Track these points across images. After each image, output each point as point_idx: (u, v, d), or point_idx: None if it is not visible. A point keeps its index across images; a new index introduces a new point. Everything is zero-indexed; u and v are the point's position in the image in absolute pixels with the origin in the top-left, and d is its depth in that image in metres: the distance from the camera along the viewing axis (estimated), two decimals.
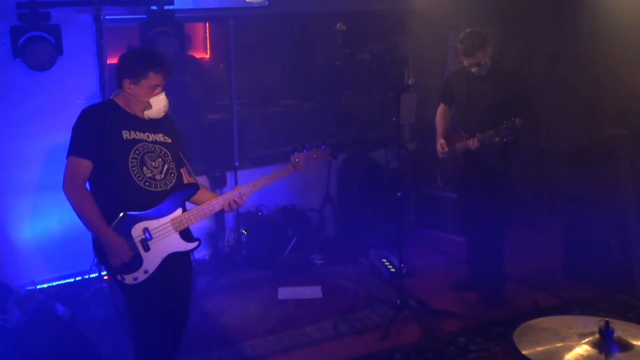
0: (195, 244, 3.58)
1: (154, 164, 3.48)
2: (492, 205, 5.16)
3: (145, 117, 3.53)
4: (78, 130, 3.45)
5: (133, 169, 3.42)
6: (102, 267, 5.12)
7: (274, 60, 7.25)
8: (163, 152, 3.53)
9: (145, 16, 5.34)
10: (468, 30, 4.99)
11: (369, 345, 4.72)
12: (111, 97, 3.59)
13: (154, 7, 5.32)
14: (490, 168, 5.07)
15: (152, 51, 3.69)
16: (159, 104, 3.52)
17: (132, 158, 3.42)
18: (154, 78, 3.47)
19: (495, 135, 4.82)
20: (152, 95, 3.50)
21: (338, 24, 6.52)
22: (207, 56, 7.80)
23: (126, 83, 3.48)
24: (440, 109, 5.43)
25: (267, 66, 7.20)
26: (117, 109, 3.51)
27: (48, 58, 5.02)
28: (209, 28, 7.74)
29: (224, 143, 6.45)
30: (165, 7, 5.36)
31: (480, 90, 5.04)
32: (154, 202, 3.45)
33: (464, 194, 5.46)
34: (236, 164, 6.41)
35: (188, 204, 3.64)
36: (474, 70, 4.98)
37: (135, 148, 3.44)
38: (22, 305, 4.88)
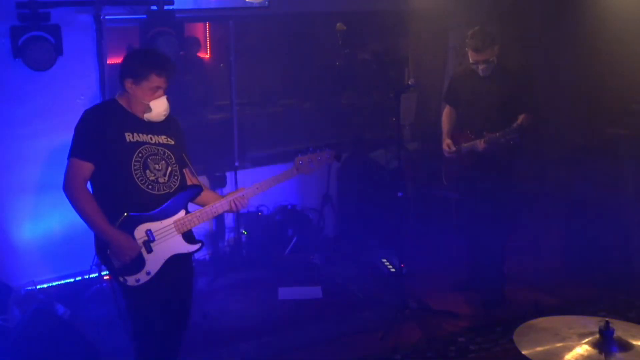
0: (197, 246, 3.58)
1: (157, 166, 3.47)
2: (495, 205, 5.16)
3: (146, 120, 3.51)
4: (80, 131, 3.43)
5: (136, 172, 3.40)
6: (104, 268, 5.12)
7: (274, 60, 7.25)
8: (166, 155, 3.52)
9: (145, 16, 5.34)
10: (477, 27, 5.00)
11: (369, 345, 4.72)
12: (115, 97, 3.56)
13: (154, 7, 5.31)
14: (495, 168, 5.07)
15: (156, 53, 3.66)
16: (159, 107, 3.49)
17: (135, 161, 3.41)
18: (155, 80, 3.45)
19: (502, 137, 4.84)
20: (152, 97, 3.47)
21: (338, 24, 6.52)
22: (207, 56, 7.81)
23: (127, 83, 3.46)
24: (446, 110, 5.43)
25: (267, 66, 7.21)
26: (120, 110, 3.49)
27: (48, 58, 5.01)
28: (209, 28, 7.74)
29: (224, 143, 6.45)
30: (165, 7, 5.35)
31: (484, 89, 5.05)
32: (157, 204, 3.43)
33: (468, 193, 5.46)
34: (236, 164, 6.41)
35: (191, 204, 3.63)
36: (481, 67, 4.98)
37: (138, 151, 3.43)
38: (22, 305, 4.87)
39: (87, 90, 5.51)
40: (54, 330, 4.35)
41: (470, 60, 5.03)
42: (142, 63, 3.46)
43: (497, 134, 4.86)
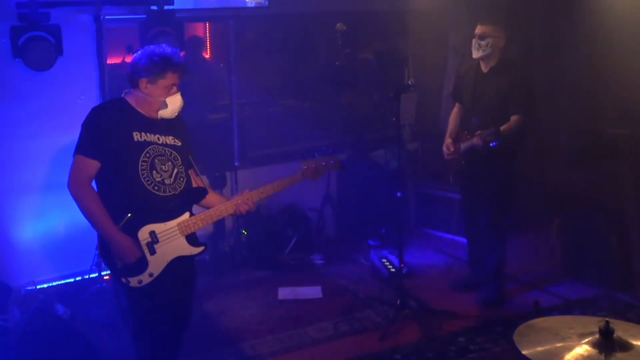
0: (201, 249, 3.57)
1: (163, 167, 3.46)
2: (493, 206, 5.15)
3: (159, 117, 3.50)
4: (87, 128, 3.41)
5: (143, 172, 3.39)
6: (104, 268, 5.13)
7: (274, 60, 7.25)
8: (173, 156, 3.50)
9: (145, 16, 5.34)
10: None
11: (369, 345, 4.72)
12: (122, 96, 3.54)
13: (154, 7, 5.32)
14: (492, 169, 5.06)
15: (170, 50, 3.67)
16: (174, 104, 3.50)
17: (142, 161, 3.39)
18: (171, 77, 3.45)
19: (483, 137, 4.81)
20: (168, 94, 3.47)
21: (338, 24, 6.52)
22: (207, 56, 7.81)
23: (143, 82, 3.44)
24: (455, 108, 5.42)
25: (267, 66, 7.20)
26: (129, 109, 3.48)
27: (48, 58, 5.02)
28: (209, 28, 7.75)
29: (224, 143, 6.45)
30: (165, 7, 5.35)
31: (483, 88, 5.05)
32: (162, 206, 3.42)
33: (466, 193, 5.46)
34: (236, 164, 6.41)
35: (195, 206, 3.62)
36: (478, 42, 4.93)
37: (145, 151, 3.41)
38: (22, 305, 4.88)
39: (87, 90, 5.51)
40: (54, 330, 4.35)
41: (474, 33, 5.03)
42: (158, 61, 3.44)
43: (487, 132, 4.82)
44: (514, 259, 5.59)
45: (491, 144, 4.77)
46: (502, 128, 4.82)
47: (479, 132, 4.88)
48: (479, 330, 4.87)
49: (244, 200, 3.62)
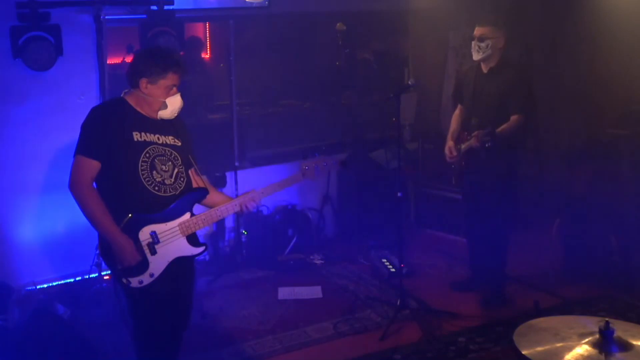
0: (201, 249, 3.56)
1: (164, 167, 3.45)
2: (495, 206, 5.15)
3: (159, 118, 3.49)
4: (87, 128, 3.40)
5: (143, 172, 3.38)
6: (104, 268, 5.13)
7: (274, 60, 7.26)
8: (173, 156, 3.50)
9: (145, 16, 5.34)
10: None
11: (369, 345, 4.72)
12: (122, 96, 3.53)
13: (154, 7, 5.32)
14: (493, 169, 5.06)
15: (170, 51, 3.63)
16: (174, 105, 3.50)
17: (142, 162, 3.38)
18: (171, 78, 3.44)
19: (480, 138, 4.81)
20: (168, 95, 3.46)
21: (338, 24, 6.52)
22: (207, 56, 7.82)
23: (143, 82, 3.43)
24: (457, 110, 5.40)
25: (267, 66, 7.21)
26: (129, 109, 3.47)
27: (48, 58, 5.02)
28: (209, 28, 7.76)
29: (224, 143, 6.45)
30: (165, 7, 5.35)
31: (483, 89, 5.04)
32: (162, 206, 3.41)
33: (467, 194, 5.46)
34: (236, 164, 6.41)
35: (197, 205, 3.62)
36: (477, 44, 4.93)
37: (145, 151, 3.40)
38: (22, 305, 4.87)
39: (87, 90, 5.51)
40: (54, 330, 4.35)
41: (472, 35, 5.03)
42: (159, 62, 3.43)
43: (484, 131, 4.83)
44: (514, 259, 5.59)
45: (485, 145, 4.78)
46: (499, 129, 4.83)
47: (475, 132, 4.89)
48: (479, 330, 4.88)
49: (248, 200, 3.62)
